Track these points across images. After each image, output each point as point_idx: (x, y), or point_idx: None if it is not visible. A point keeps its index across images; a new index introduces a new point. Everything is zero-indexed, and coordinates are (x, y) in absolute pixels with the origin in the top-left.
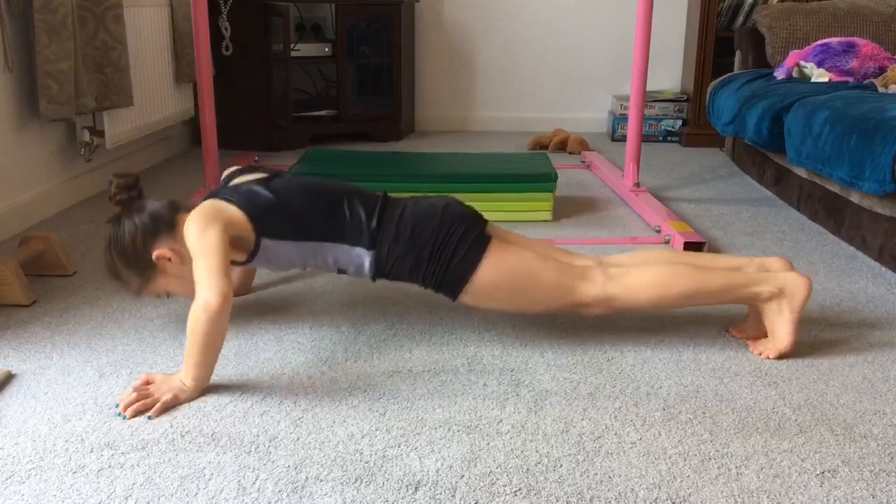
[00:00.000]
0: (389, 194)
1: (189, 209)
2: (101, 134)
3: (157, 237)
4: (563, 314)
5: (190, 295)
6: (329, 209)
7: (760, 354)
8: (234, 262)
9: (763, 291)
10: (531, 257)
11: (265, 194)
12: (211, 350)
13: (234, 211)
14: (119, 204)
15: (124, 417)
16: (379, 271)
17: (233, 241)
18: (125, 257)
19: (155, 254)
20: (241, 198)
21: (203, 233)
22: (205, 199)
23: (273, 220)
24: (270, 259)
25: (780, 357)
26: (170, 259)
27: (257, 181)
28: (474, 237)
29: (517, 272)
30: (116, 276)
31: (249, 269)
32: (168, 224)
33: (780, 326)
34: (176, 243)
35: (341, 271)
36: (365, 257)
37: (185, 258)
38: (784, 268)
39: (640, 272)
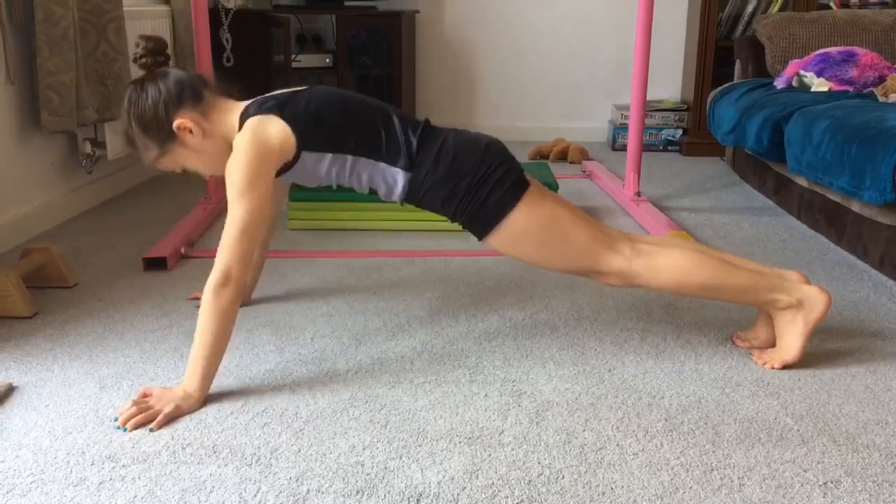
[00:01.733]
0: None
1: (219, 91)
2: (102, 145)
3: (180, 106)
4: (569, 317)
5: (206, 172)
6: (370, 125)
7: (765, 364)
8: None
9: (782, 299)
10: (565, 213)
11: (306, 105)
12: (220, 337)
13: (279, 129)
14: (144, 67)
15: (125, 430)
16: (411, 195)
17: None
18: (144, 122)
19: (176, 122)
20: (284, 109)
21: (249, 190)
22: (248, 111)
23: (314, 133)
24: (305, 172)
25: (785, 368)
26: (191, 131)
27: (296, 92)
28: (514, 179)
29: (549, 224)
30: (132, 142)
31: (255, 267)
32: (194, 94)
33: (791, 338)
34: (200, 116)
35: (373, 191)
36: (400, 179)
37: (206, 132)
38: (801, 281)
39: (667, 254)
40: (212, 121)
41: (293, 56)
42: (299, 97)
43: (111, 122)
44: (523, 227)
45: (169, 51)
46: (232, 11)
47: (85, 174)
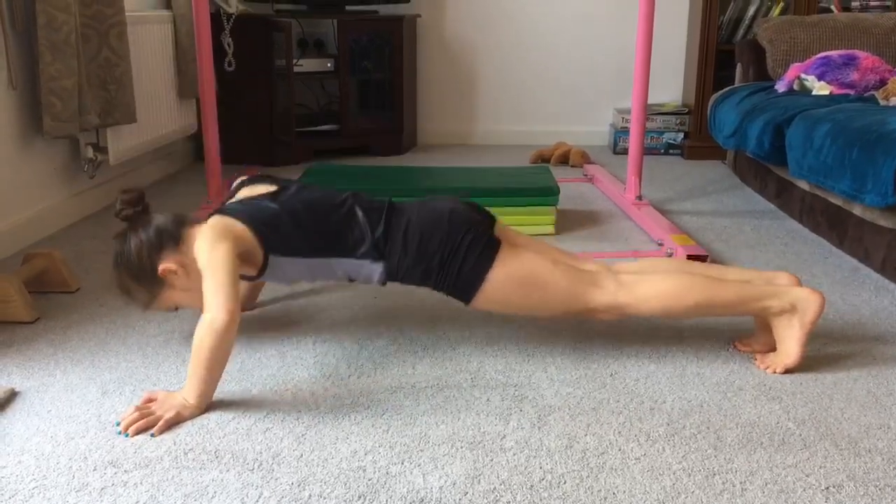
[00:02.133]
0: (394, 200)
1: (195, 223)
2: (104, 150)
3: (162, 251)
4: (570, 322)
5: (199, 307)
6: (336, 224)
7: (767, 369)
8: (244, 277)
9: (774, 305)
10: (541, 263)
11: (272, 210)
12: (215, 367)
13: (241, 228)
14: (125, 219)
15: (126, 435)
16: (390, 279)
17: (242, 256)
18: (132, 272)
19: (161, 268)
20: (248, 215)
21: (213, 249)
22: (212, 215)
23: (281, 238)
24: (279, 274)
25: (787, 372)
26: (176, 272)
27: (264, 196)
28: (483, 245)
29: (528, 279)
30: (125, 291)
31: (258, 282)
32: (173, 238)
33: (790, 341)
34: (182, 256)
35: (352, 280)
36: (375, 269)
37: (191, 271)
38: (791, 283)
39: (653, 281)
40: (191, 257)
41: (295, 60)
42: (261, 205)
43: (113, 126)
44: (503, 285)
45: (147, 200)
46: (233, 16)
47: (87, 179)
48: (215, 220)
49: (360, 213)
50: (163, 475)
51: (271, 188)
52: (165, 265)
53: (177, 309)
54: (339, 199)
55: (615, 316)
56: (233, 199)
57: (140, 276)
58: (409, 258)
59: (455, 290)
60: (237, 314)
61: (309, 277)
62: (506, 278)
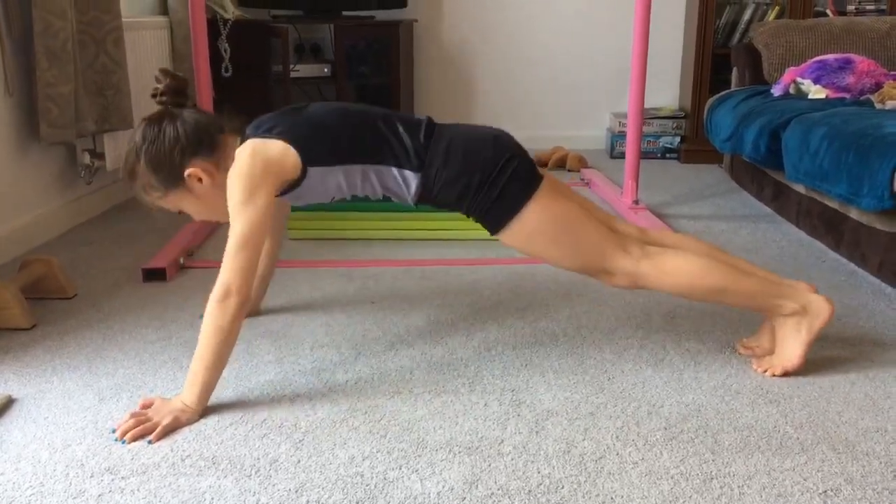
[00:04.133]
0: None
1: (232, 131)
2: (101, 156)
3: (197, 153)
4: (568, 327)
5: (202, 217)
6: (374, 132)
7: (765, 372)
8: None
9: (787, 305)
10: (578, 210)
11: (307, 120)
12: (221, 354)
13: (280, 147)
14: (162, 104)
15: (123, 442)
16: (424, 195)
17: (278, 181)
18: (156, 162)
19: (189, 170)
20: (284, 128)
21: (249, 203)
22: (248, 136)
23: (319, 147)
24: (314, 189)
25: (785, 375)
26: (200, 180)
27: (295, 109)
28: (527, 173)
29: (562, 221)
30: (135, 176)
31: (262, 280)
32: (210, 143)
33: (793, 345)
34: (211, 165)
35: (386, 196)
36: (411, 180)
37: (216, 181)
38: (810, 290)
39: (677, 258)
40: (222, 170)
41: (292, 66)
42: (298, 115)
43: (110, 132)
44: (536, 222)
45: (190, 92)
46: (230, 22)
47: (84, 185)
48: (254, 147)
49: (399, 123)
50: (160, 482)
51: (299, 105)
52: (195, 169)
53: (180, 212)
54: (373, 110)
55: (629, 283)
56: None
57: (160, 169)
58: (450, 171)
59: (489, 214)
60: (250, 295)
61: (345, 190)
62: (542, 213)
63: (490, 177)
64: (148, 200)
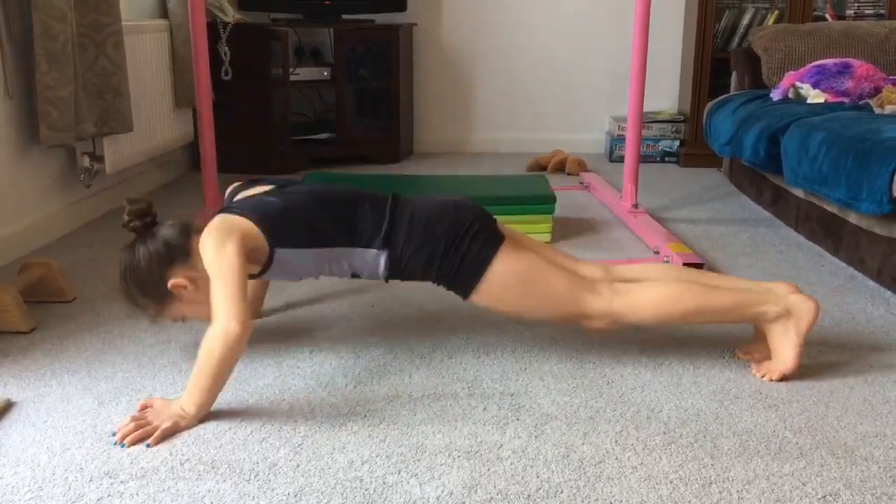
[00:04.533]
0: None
1: (201, 231)
2: (100, 159)
3: (172, 265)
4: (566, 331)
5: (207, 318)
6: (341, 214)
7: (763, 377)
8: (248, 276)
9: (769, 311)
10: (542, 262)
11: (276, 204)
12: (220, 379)
13: (246, 224)
14: (133, 231)
15: (123, 446)
16: (393, 270)
17: (248, 254)
18: (141, 285)
19: (171, 283)
20: (251, 210)
21: (220, 251)
22: (215, 215)
23: (286, 230)
24: (284, 269)
25: (783, 379)
26: (186, 287)
27: (266, 193)
28: (488, 234)
29: (527, 275)
30: (133, 302)
31: (262, 282)
32: (183, 251)
33: (785, 348)
34: (192, 270)
35: (355, 275)
36: (380, 258)
37: (200, 285)
38: (789, 291)
39: (647, 289)
40: (199, 268)
41: (291, 69)
42: (264, 200)
43: (110, 135)
44: (504, 279)
45: (154, 210)
46: (230, 25)
47: (83, 188)
48: (219, 220)
49: (365, 204)
50: (159, 486)
51: (269, 187)
52: (176, 280)
53: (184, 320)
54: (342, 191)
55: (608, 324)
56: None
57: (149, 290)
58: (414, 244)
59: (457, 279)
60: (249, 325)
61: (314, 272)
62: (508, 272)
63: (452, 245)
64: (154, 319)
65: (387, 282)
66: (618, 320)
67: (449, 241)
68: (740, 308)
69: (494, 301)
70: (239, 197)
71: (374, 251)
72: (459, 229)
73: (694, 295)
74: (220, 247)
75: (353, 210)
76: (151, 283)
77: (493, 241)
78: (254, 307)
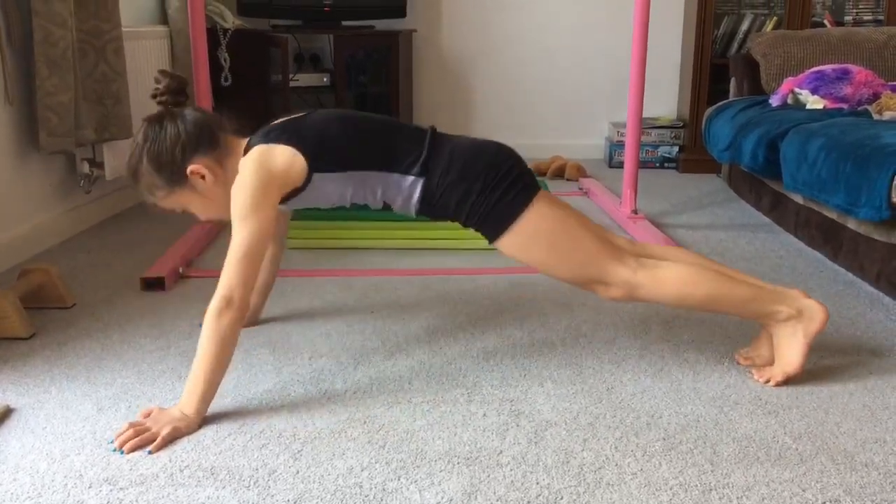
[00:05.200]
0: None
1: (236, 133)
2: (100, 165)
3: (197, 150)
4: (566, 336)
5: (206, 216)
6: (378, 138)
7: (767, 382)
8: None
9: (782, 311)
10: (575, 219)
11: (313, 127)
12: (221, 361)
13: (287, 155)
14: (162, 104)
15: (122, 453)
16: (426, 201)
17: (281, 185)
18: (158, 161)
19: (191, 167)
20: (290, 135)
21: (255, 210)
22: (253, 143)
23: (324, 154)
24: (317, 195)
25: (786, 381)
26: (203, 177)
27: (299, 117)
28: (526, 181)
29: (560, 228)
30: (138, 175)
31: (263, 289)
32: (211, 139)
33: (791, 349)
34: (214, 162)
35: (387, 205)
36: (416, 186)
37: (218, 179)
38: (803, 295)
39: (671, 267)
40: (224, 167)
41: (291, 75)
42: (304, 122)
43: (109, 142)
44: (535, 229)
45: (189, 92)
46: (230, 31)
47: (83, 194)
48: (260, 155)
49: (404, 131)
50: (158, 492)
51: (301, 113)
52: (197, 166)
53: (182, 211)
54: (382, 119)
55: (625, 294)
56: (266, 126)
57: (163, 167)
58: (451, 177)
59: (487, 220)
60: (248, 307)
61: (347, 197)
62: (539, 220)
63: (490, 184)
64: (153, 201)
65: (416, 216)
66: (635, 293)
67: (487, 179)
68: (756, 302)
69: (519, 250)
70: (275, 123)
71: (410, 178)
72: (499, 170)
73: (715, 282)
74: (253, 208)
75: (392, 136)
76: (170, 162)
77: (530, 189)
78: (253, 315)
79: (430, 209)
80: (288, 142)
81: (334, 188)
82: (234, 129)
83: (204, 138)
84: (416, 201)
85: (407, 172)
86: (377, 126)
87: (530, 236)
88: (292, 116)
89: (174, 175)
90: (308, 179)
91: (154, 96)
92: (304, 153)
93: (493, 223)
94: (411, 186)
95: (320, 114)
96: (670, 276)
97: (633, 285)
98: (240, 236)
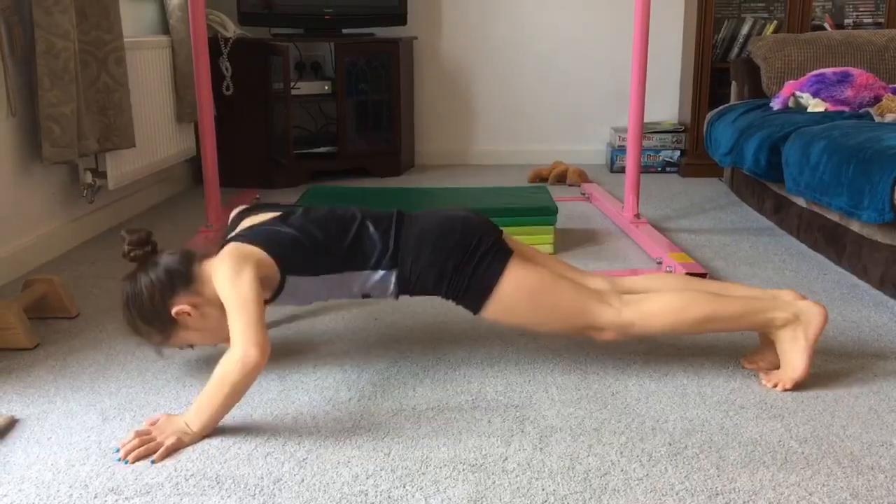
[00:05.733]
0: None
1: (204, 258)
2: (103, 175)
3: (174, 293)
4: (571, 342)
5: (212, 344)
6: (348, 238)
7: (775, 386)
8: None
9: (778, 318)
10: (550, 275)
11: (285, 233)
12: (231, 402)
13: (258, 253)
14: (133, 260)
15: (127, 462)
16: (403, 288)
17: (261, 282)
18: (144, 315)
19: (174, 310)
20: (261, 238)
21: (237, 279)
22: (224, 244)
23: (296, 257)
24: (296, 295)
25: (796, 386)
26: (189, 314)
27: (273, 220)
28: (496, 250)
29: (537, 287)
30: (137, 331)
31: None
32: (185, 278)
33: (795, 354)
34: (195, 296)
35: (365, 296)
36: (389, 277)
37: (205, 311)
38: (797, 298)
39: (655, 299)
40: (204, 294)
41: (292, 83)
42: (275, 229)
43: (112, 151)
44: (514, 293)
45: (154, 239)
46: (231, 40)
47: (86, 204)
48: (231, 248)
49: (370, 225)
50: (164, 501)
51: (274, 214)
52: (179, 307)
53: (192, 347)
54: (348, 215)
55: (618, 334)
56: (237, 230)
57: (152, 319)
58: (423, 262)
59: (467, 295)
60: (268, 350)
61: (324, 296)
62: (518, 283)
63: (462, 260)
64: (159, 347)
65: (397, 299)
66: (628, 331)
67: (458, 258)
68: (749, 315)
69: (504, 315)
70: (244, 223)
71: (382, 272)
72: (469, 245)
73: (703, 304)
74: (236, 273)
75: (359, 233)
76: (154, 311)
77: (502, 256)
78: None
79: (410, 292)
80: (258, 245)
81: (311, 289)
82: (207, 256)
83: (177, 279)
84: (393, 290)
85: (377, 268)
86: (345, 225)
87: (511, 301)
88: (259, 220)
89: (163, 321)
90: (282, 283)
91: (124, 256)
92: (274, 257)
93: (473, 297)
94: (384, 279)
95: (290, 220)
96: (657, 308)
97: (622, 324)
98: (232, 295)
